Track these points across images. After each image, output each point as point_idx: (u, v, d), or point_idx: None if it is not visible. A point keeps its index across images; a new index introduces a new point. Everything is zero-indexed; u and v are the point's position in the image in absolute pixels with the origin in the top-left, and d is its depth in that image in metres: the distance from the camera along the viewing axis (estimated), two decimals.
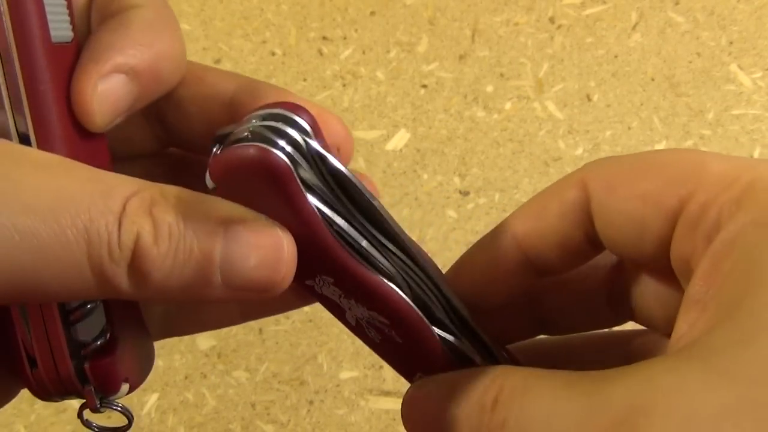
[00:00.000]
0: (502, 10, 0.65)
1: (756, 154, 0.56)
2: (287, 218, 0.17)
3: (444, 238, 0.53)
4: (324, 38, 0.64)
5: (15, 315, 0.18)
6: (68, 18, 0.18)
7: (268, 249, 0.16)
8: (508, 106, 0.59)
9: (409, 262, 0.19)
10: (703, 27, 0.62)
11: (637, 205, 0.18)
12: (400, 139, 0.58)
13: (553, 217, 0.19)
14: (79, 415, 0.20)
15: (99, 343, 0.18)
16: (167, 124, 0.21)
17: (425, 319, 0.19)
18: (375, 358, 0.51)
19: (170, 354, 0.51)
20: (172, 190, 0.16)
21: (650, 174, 0.18)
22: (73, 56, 0.18)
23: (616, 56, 0.61)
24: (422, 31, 0.64)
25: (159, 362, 0.51)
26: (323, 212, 0.17)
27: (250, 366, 0.50)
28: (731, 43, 0.61)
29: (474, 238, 0.54)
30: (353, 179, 0.17)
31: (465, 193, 0.56)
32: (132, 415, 0.21)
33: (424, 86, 0.61)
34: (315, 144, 0.16)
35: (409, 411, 0.19)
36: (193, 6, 0.66)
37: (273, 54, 0.63)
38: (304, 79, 0.62)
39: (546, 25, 0.63)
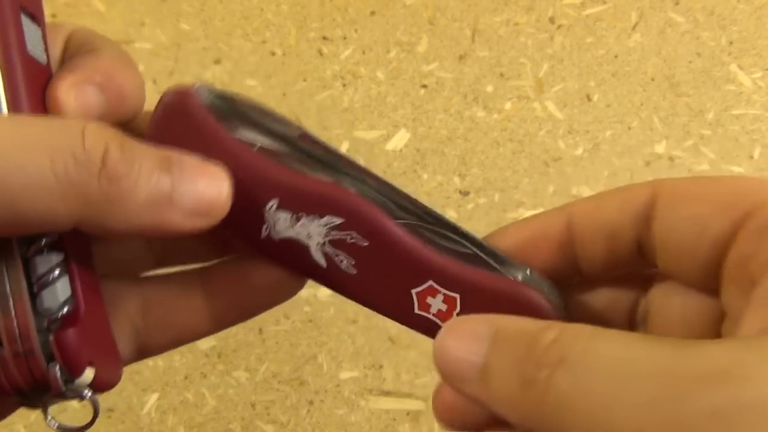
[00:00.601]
0: (502, 10, 0.65)
1: (756, 155, 0.56)
2: (217, 156, 0.19)
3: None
4: (324, 38, 0.64)
5: None
6: (43, 45, 0.20)
7: (211, 173, 0.19)
8: (508, 106, 0.59)
9: (347, 166, 0.20)
10: (703, 27, 0.62)
11: (704, 207, 0.18)
12: (400, 139, 0.58)
13: (612, 209, 0.20)
14: (44, 409, 0.20)
15: (64, 311, 0.18)
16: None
17: (377, 205, 0.19)
18: (375, 358, 0.52)
19: (170, 354, 0.51)
20: (119, 131, 0.18)
21: (722, 183, 0.19)
22: (46, 77, 0.20)
23: (616, 56, 0.61)
24: (422, 31, 0.64)
25: (159, 362, 0.51)
26: (245, 140, 0.19)
27: (250, 366, 0.50)
28: (731, 43, 0.61)
29: None
30: (256, 103, 0.20)
31: (465, 193, 0.56)
32: (98, 406, 0.20)
33: (424, 86, 0.61)
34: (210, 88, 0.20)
35: (446, 345, 0.18)
36: (193, 6, 0.66)
37: (273, 54, 0.63)
38: (304, 79, 0.62)
39: (546, 25, 0.63)
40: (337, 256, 0.20)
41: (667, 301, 0.20)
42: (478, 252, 0.21)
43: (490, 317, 0.18)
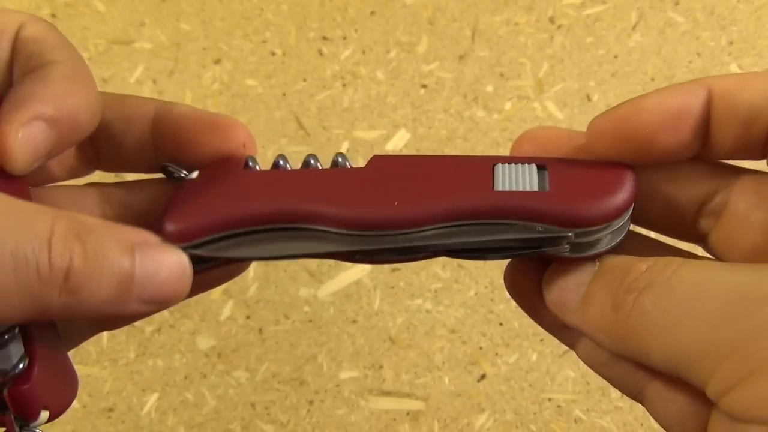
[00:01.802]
0: (502, 10, 0.65)
1: None
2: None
3: None
4: (324, 38, 0.64)
5: None
6: None
7: (173, 265, 0.19)
8: (508, 106, 0.59)
9: None
10: (703, 27, 0.62)
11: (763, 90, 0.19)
12: (400, 139, 0.58)
13: (758, 91, 0.19)
14: None
15: (17, 371, 0.19)
16: (97, 146, 0.24)
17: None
18: (375, 358, 0.52)
19: (170, 354, 0.51)
20: (86, 217, 0.18)
21: None
22: None
23: (616, 56, 0.61)
24: (422, 31, 0.64)
25: (159, 362, 0.51)
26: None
27: (250, 366, 0.50)
28: (731, 43, 0.61)
29: None
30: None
31: None
32: None
33: (424, 86, 0.61)
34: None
35: (552, 279, 0.21)
36: (193, 6, 0.66)
37: (273, 54, 0.63)
38: (304, 79, 0.62)
39: (546, 25, 0.63)
40: None
41: (752, 202, 0.21)
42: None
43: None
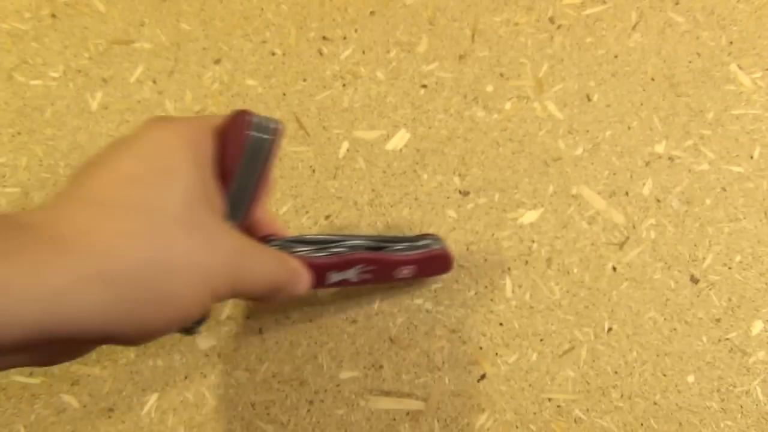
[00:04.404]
0: (502, 10, 0.64)
1: (756, 154, 0.56)
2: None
3: (444, 238, 0.53)
4: (324, 38, 0.64)
5: None
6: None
7: (308, 279, 0.39)
8: (508, 106, 0.59)
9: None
10: (703, 27, 0.62)
11: None
12: (400, 139, 0.58)
13: None
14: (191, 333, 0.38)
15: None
16: None
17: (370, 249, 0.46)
18: (375, 358, 0.52)
19: (170, 354, 0.51)
20: (292, 258, 0.39)
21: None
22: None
23: (616, 56, 0.61)
24: (422, 31, 0.64)
25: (159, 362, 0.51)
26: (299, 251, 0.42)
27: (250, 366, 0.50)
28: (731, 43, 0.61)
29: (474, 238, 0.54)
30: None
31: (465, 193, 0.56)
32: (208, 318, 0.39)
33: (424, 86, 0.61)
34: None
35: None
36: (193, 6, 0.66)
37: (273, 54, 0.63)
38: (304, 79, 0.62)
39: (546, 25, 0.63)
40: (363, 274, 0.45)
41: None
42: (416, 242, 0.48)
43: None
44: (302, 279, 0.38)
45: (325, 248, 0.43)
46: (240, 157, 0.35)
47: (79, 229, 0.25)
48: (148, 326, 0.26)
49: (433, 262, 0.48)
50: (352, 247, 0.44)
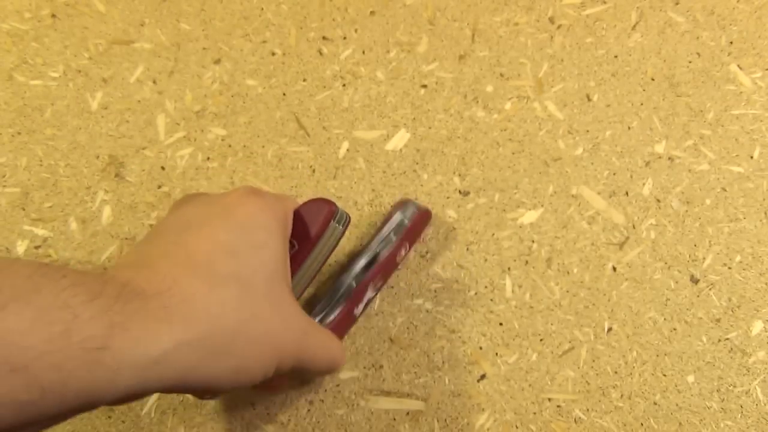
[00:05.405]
0: (502, 10, 0.65)
1: (756, 154, 0.56)
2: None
3: (444, 238, 0.53)
4: (324, 38, 0.64)
5: None
6: None
7: (342, 357, 0.42)
8: (508, 106, 0.59)
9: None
10: (703, 27, 0.62)
11: None
12: (400, 139, 0.58)
13: None
14: None
15: None
16: None
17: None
18: (375, 358, 0.52)
19: None
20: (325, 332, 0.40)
21: None
22: None
23: (616, 56, 0.61)
24: (422, 31, 0.64)
25: None
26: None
27: None
28: (731, 43, 0.61)
29: (474, 238, 0.54)
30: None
31: (465, 193, 0.56)
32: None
33: (424, 86, 0.61)
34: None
35: None
36: (193, 6, 0.66)
37: (273, 54, 0.63)
38: (304, 79, 0.62)
39: (546, 25, 0.63)
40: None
41: None
42: (394, 223, 0.51)
43: None
44: (344, 355, 0.41)
45: (336, 300, 0.46)
46: (317, 241, 0.39)
47: (183, 297, 0.28)
48: (221, 386, 0.29)
49: (417, 227, 0.51)
50: (356, 278, 0.47)
